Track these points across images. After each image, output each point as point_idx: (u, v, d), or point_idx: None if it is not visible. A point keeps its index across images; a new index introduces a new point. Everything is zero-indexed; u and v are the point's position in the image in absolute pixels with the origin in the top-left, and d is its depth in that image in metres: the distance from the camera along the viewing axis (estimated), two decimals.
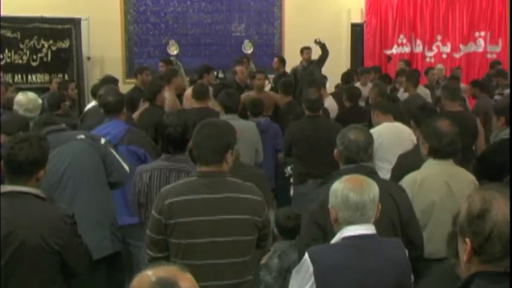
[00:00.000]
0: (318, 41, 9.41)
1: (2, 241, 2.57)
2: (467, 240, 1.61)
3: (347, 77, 8.29)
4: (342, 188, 2.41)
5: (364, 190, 2.39)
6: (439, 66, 10.13)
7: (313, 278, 2.32)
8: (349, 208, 2.37)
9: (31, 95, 5.08)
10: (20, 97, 4.97)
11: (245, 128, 4.85)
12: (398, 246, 2.46)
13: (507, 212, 1.56)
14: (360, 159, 2.91)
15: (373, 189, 2.41)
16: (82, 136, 3.67)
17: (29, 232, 2.61)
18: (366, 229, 2.38)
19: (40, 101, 5.06)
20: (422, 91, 7.45)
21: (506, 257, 1.56)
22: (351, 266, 2.32)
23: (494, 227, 1.56)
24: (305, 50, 9.42)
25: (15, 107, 4.92)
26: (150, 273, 1.45)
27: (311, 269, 2.33)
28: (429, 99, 7.04)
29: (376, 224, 2.49)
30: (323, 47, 9.38)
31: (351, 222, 2.38)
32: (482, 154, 4.49)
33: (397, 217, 2.84)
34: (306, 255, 2.38)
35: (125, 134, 4.09)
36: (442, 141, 3.20)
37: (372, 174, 2.90)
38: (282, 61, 9.21)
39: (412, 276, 2.52)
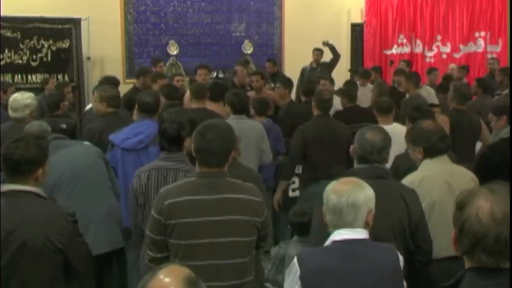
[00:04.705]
0: (326, 42, 9.30)
1: (4, 240, 2.56)
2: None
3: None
4: (328, 190, 2.39)
5: (343, 194, 2.33)
6: (452, 65, 10.05)
7: (299, 282, 2.31)
8: (328, 211, 2.38)
9: (17, 95, 4.92)
10: (11, 97, 4.93)
11: (253, 129, 4.85)
12: (388, 252, 2.38)
13: (486, 210, 1.57)
14: (373, 159, 2.89)
15: (355, 194, 2.33)
16: (86, 143, 3.96)
17: (31, 231, 2.60)
18: (355, 233, 2.33)
19: (28, 101, 4.78)
20: (426, 90, 7.33)
21: (474, 253, 1.59)
22: (335, 270, 2.29)
23: (467, 220, 1.59)
24: (315, 51, 9.33)
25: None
26: (167, 273, 1.47)
27: (298, 272, 2.33)
28: (434, 98, 6.96)
29: (387, 226, 2.46)
30: (332, 49, 9.28)
31: (335, 226, 2.36)
32: (482, 153, 4.49)
33: (407, 220, 2.82)
34: (295, 259, 2.37)
35: (157, 135, 4.14)
36: (432, 139, 3.22)
37: (385, 176, 2.91)
38: (273, 62, 9.16)
39: (405, 283, 2.45)
